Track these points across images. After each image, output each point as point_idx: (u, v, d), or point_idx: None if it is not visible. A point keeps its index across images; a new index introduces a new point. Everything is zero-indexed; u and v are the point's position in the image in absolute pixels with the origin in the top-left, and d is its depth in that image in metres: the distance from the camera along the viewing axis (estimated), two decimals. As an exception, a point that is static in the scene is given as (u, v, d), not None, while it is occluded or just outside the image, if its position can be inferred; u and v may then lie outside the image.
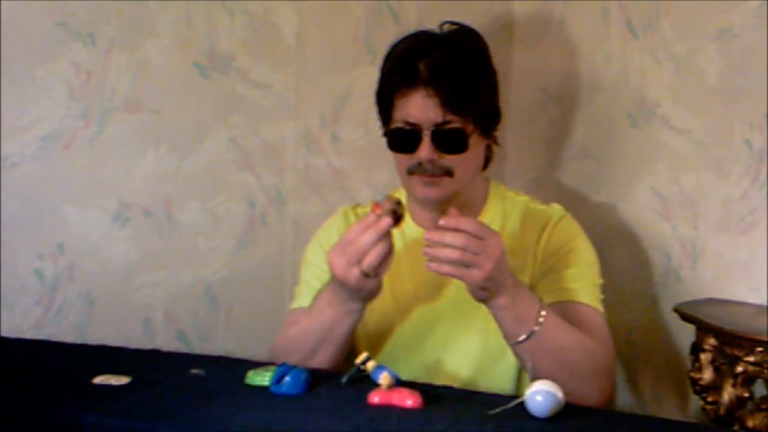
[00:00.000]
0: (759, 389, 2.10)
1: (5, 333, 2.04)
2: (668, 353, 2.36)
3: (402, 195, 1.91)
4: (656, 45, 2.36)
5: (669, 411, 2.35)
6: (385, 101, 1.86)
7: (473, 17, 2.04)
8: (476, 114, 1.82)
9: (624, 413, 2.15)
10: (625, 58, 2.43)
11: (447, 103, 1.78)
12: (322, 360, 1.81)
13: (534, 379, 1.54)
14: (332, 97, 2.45)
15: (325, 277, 1.81)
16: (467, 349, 1.88)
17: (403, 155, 1.83)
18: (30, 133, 2.15)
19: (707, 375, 2.11)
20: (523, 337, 1.70)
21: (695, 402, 2.19)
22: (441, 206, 1.83)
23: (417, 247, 1.75)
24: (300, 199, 2.43)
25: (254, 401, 1.56)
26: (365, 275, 1.70)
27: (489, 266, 1.63)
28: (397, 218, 1.69)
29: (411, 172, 1.83)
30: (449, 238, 1.63)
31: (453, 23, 1.90)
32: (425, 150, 1.80)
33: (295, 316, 1.91)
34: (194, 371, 1.69)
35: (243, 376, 1.66)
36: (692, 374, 2.13)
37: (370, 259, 1.68)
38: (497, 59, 1.93)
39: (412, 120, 1.81)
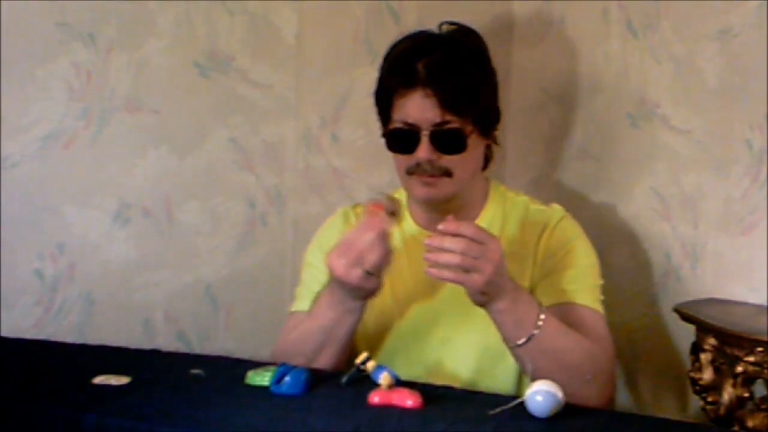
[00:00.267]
0: (759, 389, 2.09)
1: (5, 333, 2.04)
2: (668, 353, 2.36)
3: (402, 195, 1.92)
4: (656, 45, 2.36)
5: (669, 411, 2.35)
6: (384, 101, 1.86)
7: (473, 17, 2.04)
8: (475, 114, 1.82)
9: (624, 413, 2.14)
10: (625, 58, 2.43)
11: (445, 104, 1.78)
12: (325, 361, 1.81)
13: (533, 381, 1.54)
14: (332, 97, 2.45)
15: (325, 279, 1.81)
16: (467, 349, 1.88)
17: (402, 155, 1.83)
18: (30, 133, 2.15)
19: (707, 375, 2.11)
20: (522, 340, 1.70)
21: (695, 402, 2.19)
22: (440, 206, 1.83)
23: (416, 246, 1.75)
24: (300, 199, 2.43)
25: (254, 401, 1.56)
26: (368, 274, 1.70)
27: (489, 270, 1.63)
28: (394, 216, 1.70)
29: (410, 172, 1.83)
30: (449, 242, 1.63)
31: (452, 23, 1.90)
32: (424, 150, 1.80)
33: (295, 319, 1.91)
34: (194, 371, 1.69)
35: (243, 376, 1.66)
36: (692, 374, 2.13)
37: (372, 258, 1.69)
38: (497, 59, 1.93)
39: (410, 120, 1.81)
